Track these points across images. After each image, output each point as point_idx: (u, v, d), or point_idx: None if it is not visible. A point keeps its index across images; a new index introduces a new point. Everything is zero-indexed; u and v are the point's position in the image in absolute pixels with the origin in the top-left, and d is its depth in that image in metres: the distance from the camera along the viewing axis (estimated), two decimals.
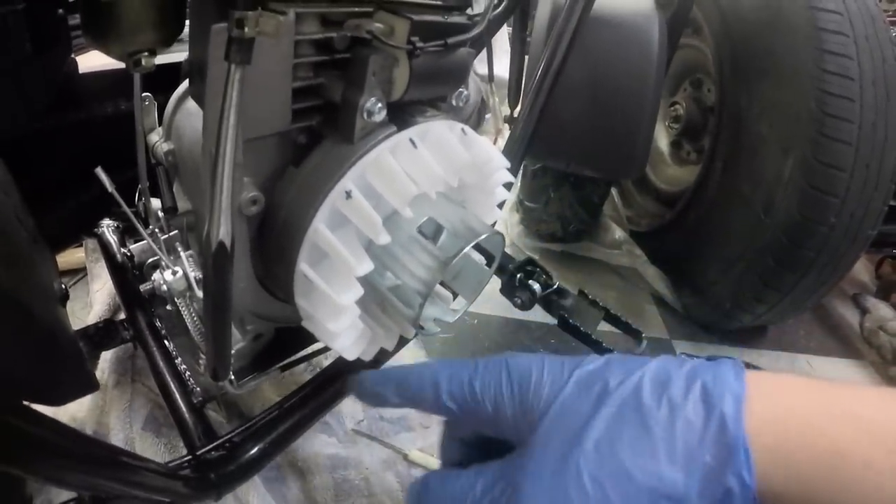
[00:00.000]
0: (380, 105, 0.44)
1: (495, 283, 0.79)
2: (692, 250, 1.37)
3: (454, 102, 0.53)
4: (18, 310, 0.42)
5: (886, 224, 1.11)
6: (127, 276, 0.85)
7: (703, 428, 0.28)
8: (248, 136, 0.43)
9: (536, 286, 0.82)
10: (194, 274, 0.60)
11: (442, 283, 0.56)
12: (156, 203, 0.66)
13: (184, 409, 0.68)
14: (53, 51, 0.66)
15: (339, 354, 0.50)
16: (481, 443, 0.40)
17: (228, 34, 0.35)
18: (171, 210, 0.60)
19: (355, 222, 0.42)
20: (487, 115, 1.14)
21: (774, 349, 1.45)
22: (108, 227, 0.91)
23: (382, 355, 0.59)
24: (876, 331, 1.47)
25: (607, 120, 1.00)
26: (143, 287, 0.70)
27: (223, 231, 0.38)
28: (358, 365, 0.53)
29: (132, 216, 0.65)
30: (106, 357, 1.02)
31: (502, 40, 1.75)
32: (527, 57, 1.05)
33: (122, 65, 0.43)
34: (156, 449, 0.93)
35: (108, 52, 0.43)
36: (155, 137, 0.63)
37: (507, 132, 0.87)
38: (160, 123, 0.64)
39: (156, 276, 0.64)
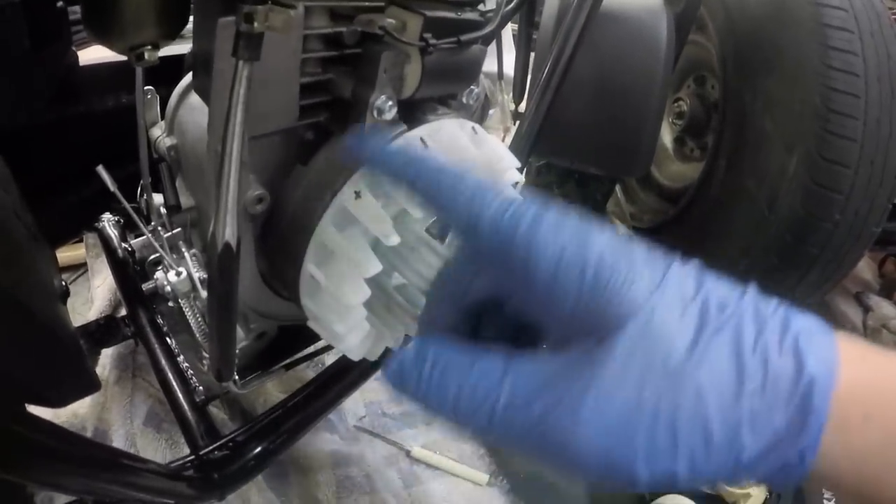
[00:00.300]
0: (390, 103, 0.43)
1: None
2: (695, 247, 1.37)
3: (465, 100, 0.52)
4: (17, 308, 0.41)
5: (891, 221, 1.11)
6: (128, 271, 0.84)
7: (790, 390, 0.24)
8: (253, 132, 0.42)
9: None
10: (198, 274, 0.60)
11: None
12: (158, 199, 0.65)
13: (186, 407, 0.68)
14: (53, 45, 0.65)
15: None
16: (478, 314, 0.32)
17: (236, 29, 0.34)
18: (174, 208, 0.59)
19: (364, 223, 0.42)
20: (491, 111, 1.13)
21: None
22: (108, 221, 0.90)
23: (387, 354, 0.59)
24: (879, 329, 1.47)
25: (613, 117, 0.99)
26: (146, 286, 0.70)
27: (229, 231, 0.37)
28: (362, 364, 0.52)
29: (134, 214, 0.64)
30: (107, 352, 1.01)
31: (506, 36, 1.74)
32: (532, 53, 1.04)
33: (123, 56, 0.42)
34: (157, 445, 0.92)
35: (110, 47, 0.42)
36: (157, 132, 0.62)
37: (514, 129, 0.86)
38: (162, 117, 0.63)
39: (158, 275, 0.63)
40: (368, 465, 0.99)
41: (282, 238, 0.47)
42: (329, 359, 0.98)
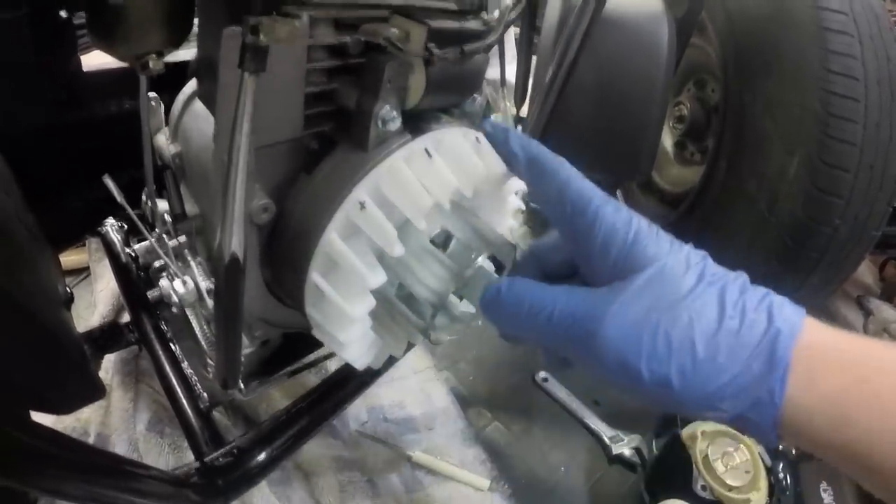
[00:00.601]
0: (394, 113, 0.43)
1: None
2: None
3: (467, 108, 0.52)
4: (20, 313, 0.41)
5: (891, 225, 1.11)
6: (131, 277, 0.84)
7: (760, 336, 0.32)
8: (259, 142, 0.42)
9: None
10: (205, 284, 0.59)
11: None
12: (162, 205, 0.65)
13: (190, 414, 0.68)
14: (57, 52, 0.65)
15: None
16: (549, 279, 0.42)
17: (242, 40, 0.34)
18: (179, 217, 0.59)
19: (369, 234, 0.42)
20: (492, 117, 1.13)
21: None
22: (111, 226, 0.90)
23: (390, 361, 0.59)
24: (880, 333, 1.47)
25: (614, 122, 0.99)
26: (151, 293, 0.70)
27: (236, 242, 0.37)
28: (365, 371, 0.52)
29: (138, 221, 0.64)
30: (110, 357, 1.01)
31: (508, 43, 1.74)
32: (534, 58, 1.04)
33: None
34: (160, 450, 0.93)
35: (114, 54, 0.42)
36: (161, 139, 0.62)
37: None
38: (166, 123, 0.63)
39: (163, 283, 0.63)
40: (370, 470, 0.99)
41: (286, 247, 0.47)
42: (332, 365, 0.98)
